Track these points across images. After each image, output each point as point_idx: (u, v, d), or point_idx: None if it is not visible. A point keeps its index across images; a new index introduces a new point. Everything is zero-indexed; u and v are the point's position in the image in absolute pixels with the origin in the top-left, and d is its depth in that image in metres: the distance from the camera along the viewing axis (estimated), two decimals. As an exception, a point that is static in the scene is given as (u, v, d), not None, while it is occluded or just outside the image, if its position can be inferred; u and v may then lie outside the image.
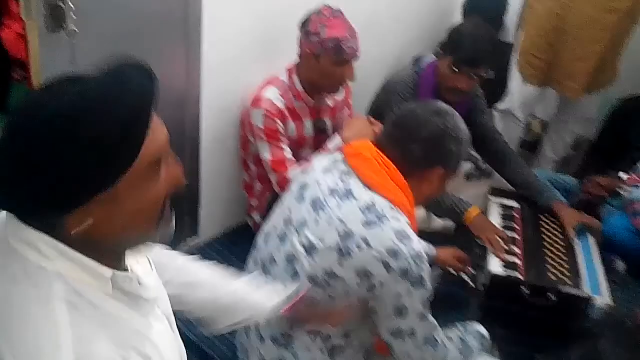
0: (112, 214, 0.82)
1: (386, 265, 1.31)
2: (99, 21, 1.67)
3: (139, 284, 0.93)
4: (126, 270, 0.93)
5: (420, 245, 1.36)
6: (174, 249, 2.50)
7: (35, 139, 0.75)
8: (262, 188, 2.44)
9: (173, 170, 0.89)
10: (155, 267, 1.06)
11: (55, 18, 1.53)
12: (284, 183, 2.14)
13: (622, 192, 2.67)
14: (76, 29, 1.59)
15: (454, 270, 2.17)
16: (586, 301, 1.91)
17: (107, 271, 0.87)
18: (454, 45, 2.24)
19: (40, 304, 0.80)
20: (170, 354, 0.97)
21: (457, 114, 1.51)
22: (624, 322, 1.02)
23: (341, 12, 2.13)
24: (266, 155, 2.21)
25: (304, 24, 2.13)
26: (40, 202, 0.77)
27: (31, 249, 0.82)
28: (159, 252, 1.21)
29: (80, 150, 0.75)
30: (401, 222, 1.36)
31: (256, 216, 2.48)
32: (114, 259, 0.90)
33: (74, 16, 1.57)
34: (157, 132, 0.84)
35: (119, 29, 1.74)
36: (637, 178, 2.61)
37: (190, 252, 2.49)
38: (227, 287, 1.33)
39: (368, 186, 1.40)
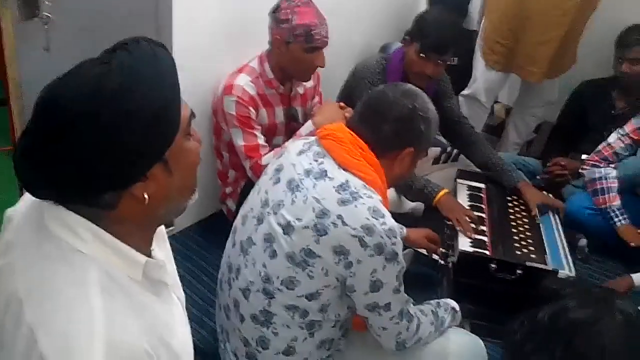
0: (170, 178, 0.87)
1: (361, 242, 1.36)
2: (73, 8, 1.68)
3: (166, 271, 0.97)
4: (150, 255, 0.96)
5: (392, 222, 1.41)
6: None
7: (97, 121, 0.78)
8: (236, 175, 2.46)
9: (194, 142, 0.95)
10: None
11: (29, 5, 1.53)
12: (258, 169, 2.18)
13: (583, 173, 2.77)
14: (50, 16, 1.59)
15: (426, 250, 2.23)
16: (551, 274, 1.99)
17: (141, 257, 0.90)
18: (421, 32, 2.30)
19: (76, 286, 0.82)
20: (185, 340, 1.00)
21: (426, 95, 1.56)
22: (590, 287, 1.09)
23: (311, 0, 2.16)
24: (239, 142, 2.24)
25: (274, 11, 2.15)
26: (102, 181, 0.81)
27: (69, 231, 0.84)
28: None
29: (137, 123, 0.80)
30: (374, 199, 1.41)
31: (230, 203, 2.50)
32: (144, 245, 0.93)
33: (48, 3, 1.57)
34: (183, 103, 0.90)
35: (92, 15, 1.75)
36: (596, 158, 2.72)
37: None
38: None
39: (342, 166, 1.45)
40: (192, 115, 0.93)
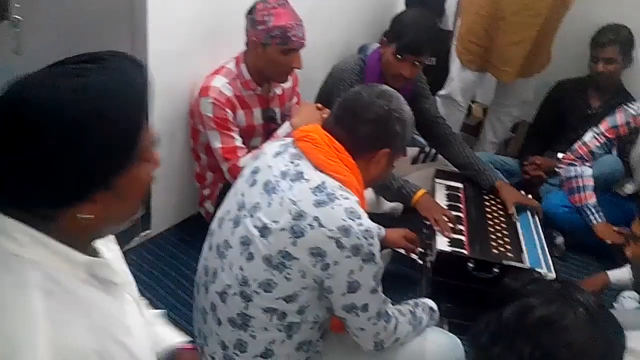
0: (116, 201, 0.86)
1: (338, 243, 1.36)
2: (43, 9, 1.65)
3: (112, 270, 0.95)
4: (97, 255, 0.95)
5: (369, 222, 1.41)
6: (127, 243, 2.51)
7: (45, 142, 0.77)
8: (214, 178, 2.45)
9: (155, 153, 0.94)
10: None
11: (-1, 7, 1.52)
12: (236, 171, 2.16)
13: (559, 171, 2.81)
14: (20, 18, 1.57)
15: (404, 250, 2.24)
16: (527, 273, 2.01)
17: (82, 257, 0.88)
18: (397, 33, 2.31)
19: (16, 292, 0.81)
20: (142, 337, 0.99)
21: (401, 96, 1.57)
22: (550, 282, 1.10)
23: (287, 1, 2.16)
24: (217, 144, 2.23)
25: (250, 13, 2.15)
26: (44, 197, 0.80)
27: (5, 236, 0.83)
28: None
29: (93, 150, 0.79)
30: (351, 200, 1.41)
31: (209, 206, 2.49)
32: (87, 246, 0.92)
33: (17, 5, 1.55)
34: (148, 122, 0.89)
35: (64, 17, 1.73)
36: (572, 157, 2.75)
37: (144, 246, 2.51)
38: None
39: (318, 168, 1.44)
40: (156, 141, 0.92)
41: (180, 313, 2.19)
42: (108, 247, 1.02)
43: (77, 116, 0.78)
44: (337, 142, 1.47)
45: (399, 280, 2.31)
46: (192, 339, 1.31)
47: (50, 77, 0.81)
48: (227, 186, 2.20)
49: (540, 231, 2.30)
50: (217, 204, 2.08)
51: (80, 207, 0.83)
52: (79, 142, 0.78)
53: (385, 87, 1.58)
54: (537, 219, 2.39)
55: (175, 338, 1.28)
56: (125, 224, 0.96)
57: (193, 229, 2.56)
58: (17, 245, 0.83)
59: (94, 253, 0.95)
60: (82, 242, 0.91)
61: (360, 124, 1.48)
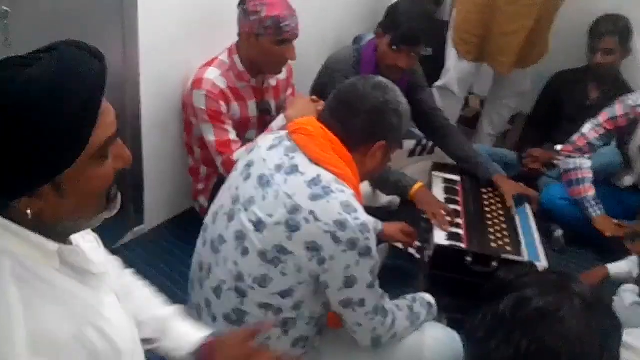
0: (61, 200, 0.82)
1: (334, 237, 1.33)
2: (33, 1, 1.62)
3: (86, 258, 0.93)
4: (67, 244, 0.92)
5: (365, 216, 1.38)
6: (120, 238, 2.48)
7: None
8: (207, 171, 2.42)
9: (120, 150, 0.89)
10: None
11: (-14, 0, 1.49)
12: (230, 165, 2.13)
13: (557, 163, 2.78)
14: (8, 10, 1.54)
15: (401, 244, 2.22)
16: (526, 266, 1.99)
17: (53, 245, 0.86)
18: (393, 24, 2.28)
19: None
20: (122, 327, 0.97)
21: (397, 88, 1.54)
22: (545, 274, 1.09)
23: (280, -9, 2.12)
24: (210, 137, 2.19)
25: (243, 3, 2.11)
26: None
27: None
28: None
29: (30, 140, 0.75)
30: (347, 194, 1.38)
31: (203, 200, 2.46)
32: (60, 236, 0.89)
33: (5, -4, 1.52)
34: (106, 117, 0.84)
35: (53, 8, 1.70)
36: (571, 149, 2.72)
37: (137, 241, 2.48)
38: (152, 307, 1.28)
39: (313, 161, 1.42)
40: (114, 136, 0.86)
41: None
42: (84, 238, 0.99)
43: (16, 107, 0.74)
44: (332, 134, 1.45)
45: (396, 275, 2.28)
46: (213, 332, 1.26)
47: None
48: (221, 180, 2.17)
49: (535, 223, 2.28)
50: (211, 198, 2.05)
51: (22, 201, 0.80)
52: (18, 134, 0.74)
53: (381, 78, 1.55)
54: (533, 210, 2.36)
55: (196, 334, 1.24)
56: (94, 221, 0.92)
57: (187, 224, 2.53)
58: None
59: (68, 243, 0.92)
60: (55, 232, 0.88)
61: (355, 116, 1.45)
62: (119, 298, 1.04)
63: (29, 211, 0.80)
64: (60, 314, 0.83)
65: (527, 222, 2.28)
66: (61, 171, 0.80)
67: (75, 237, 0.95)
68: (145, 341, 1.20)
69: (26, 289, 0.80)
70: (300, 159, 1.43)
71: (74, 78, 0.78)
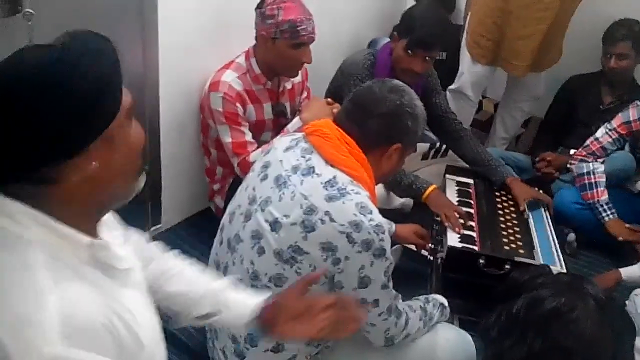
0: (111, 154, 0.87)
1: (349, 238, 1.35)
2: (56, 3, 1.66)
3: (113, 254, 0.95)
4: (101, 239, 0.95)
5: (380, 218, 1.40)
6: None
7: (32, 94, 0.78)
8: (223, 172, 2.45)
9: (138, 128, 0.95)
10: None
11: (12, 1, 1.51)
12: (246, 166, 2.16)
13: (571, 167, 2.78)
14: (33, 12, 1.57)
15: (414, 246, 2.23)
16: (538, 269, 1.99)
17: (84, 238, 0.89)
18: (408, 28, 2.29)
19: (21, 271, 0.82)
20: (146, 323, 0.99)
21: (413, 91, 1.56)
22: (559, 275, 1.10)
23: (296, -6, 2.15)
24: (227, 138, 2.22)
25: (260, 7, 2.14)
26: (44, 151, 0.81)
27: (7, 218, 0.83)
28: (140, 241, 1.24)
29: (78, 94, 0.80)
30: (362, 195, 1.40)
31: (219, 201, 2.49)
32: (90, 228, 0.92)
33: (30, -1, 1.55)
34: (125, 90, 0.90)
35: (76, 11, 1.73)
36: (584, 153, 2.73)
37: (154, 240, 2.50)
38: (204, 282, 1.31)
39: (330, 162, 1.44)
40: (134, 103, 0.93)
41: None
42: (111, 234, 1.02)
43: (48, 66, 0.79)
44: (348, 136, 1.47)
45: (409, 276, 2.29)
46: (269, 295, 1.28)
47: (19, 51, 0.83)
48: (237, 181, 2.20)
49: (552, 227, 2.28)
50: (227, 199, 2.08)
51: (79, 161, 0.83)
52: (56, 89, 0.79)
53: (397, 81, 1.57)
54: (548, 214, 2.37)
55: (254, 300, 1.26)
56: (127, 190, 0.96)
57: (203, 224, 2.56)
58: (21, 228, 0.84)
59: (97, 237, 0.95)
60: (88, 219, 0.92)
61: (371, 118, 1.48)
62: (143, 294, 1.06)
63: (84, 171, 0.84)
64: (91, 302, 0.85)
65: (542, 225, 2.29)
66: (108, 122, 0.85)
67: (102, 233, 0.97)
68: (204, 317, 1.25)
69: (59, 279, 0.83)
70: (316, 161, 1.45)
71: (103, 46, 0.86)
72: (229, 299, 1.27)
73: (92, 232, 0.93)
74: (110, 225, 1.03)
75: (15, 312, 0.79)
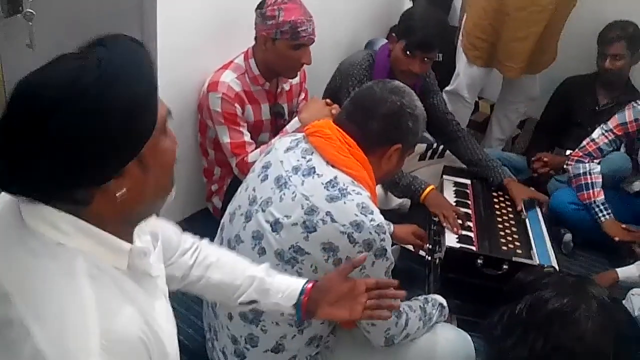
0: (145, 175, 0.86)
1: (350, 238, 1.36)
2: (57, 4, 1.65)
3: (149, 261, 0.96)
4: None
5: (381, 218, 1.41)
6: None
7: (69, 118, 0.76)
8: (221, 173, 2.45)
9: (172, 138, 0.94)
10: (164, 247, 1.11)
11: (12, 1, 1.51)
12: (244, 166, 2.17)
13: (567, 168, 2.80)
14: (33, 12, 1.57)
15: (412, 246, 2.24)
16: (536, 269, 2.01)
17: (126, 245, 0.89)
18: (407, 30, 2.30)
19: (65, 278, 0.82)
20: (169, 331, 0.99)
21: (413, 92, 1.56)
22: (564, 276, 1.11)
23: (296, -5, 2.15)
24: (225, 139, 2.22)
25: (260, 7, 2.14)
26: (77, 176, 0.80)
27: (50, 226, 0.83)
28: (168, 231, 1.25)
29: (114, 118, 0.78)
30: (363, 196, 1.41)
31: (216, 201, 2.49)
32: (127, 236, 0.92)
33: (31, -1, 1.55)
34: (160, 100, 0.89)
35: (76, 12, 1.73)
36: (580, 154, 2.74)
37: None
38: (245, 268, 1.34)
39: (330, 163, 1.45)
40: (169, 113, 0.91)
41: (190, 308, 2.19)
42: (140, 239, 1.02)
43: (83, 89, 0.77)
44: (349, 137, 1.48)
45: (407, 277, 2.30)
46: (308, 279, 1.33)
47: (55, 63, 0.81)
48: (235, 181, 2.20)
49: (544, 227, 2.30)
50: (225, 200, 2.08)
51: (112, 184, 0.83)
52: (92, 113, 0.77)
53: (398, 82, 1.58)
54: (543, 214, 2.38)
55: (295, 285, 1.31)
56: (161, 203, 0.95)
57: (201, 225, 2.53)
58: (62, 235, 0.83)
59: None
60: (123, 229, 0.91)
61: (372, 119, 1.48)
62: (167, 301, 1.06)
63: (119, 193, 0.83)
64: (129, 314, 0.85)
65: (538, 225, 2.30)
66: (144, 142, 0.83)
67: (135, 240, 0.97)
68: (246, 303, 1.29)
69: (100, 289, 0.83)
70: (317, 161, 1.46)
71: (137, 60, 0.84)
72: (274, 283, 1.31)
73: (128, 239, 0.93)
74: (140, 231, 1.03)
75: (58, 322, 0.79)
